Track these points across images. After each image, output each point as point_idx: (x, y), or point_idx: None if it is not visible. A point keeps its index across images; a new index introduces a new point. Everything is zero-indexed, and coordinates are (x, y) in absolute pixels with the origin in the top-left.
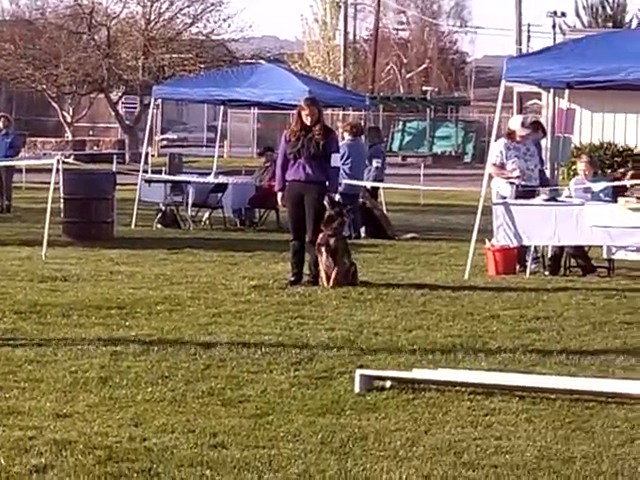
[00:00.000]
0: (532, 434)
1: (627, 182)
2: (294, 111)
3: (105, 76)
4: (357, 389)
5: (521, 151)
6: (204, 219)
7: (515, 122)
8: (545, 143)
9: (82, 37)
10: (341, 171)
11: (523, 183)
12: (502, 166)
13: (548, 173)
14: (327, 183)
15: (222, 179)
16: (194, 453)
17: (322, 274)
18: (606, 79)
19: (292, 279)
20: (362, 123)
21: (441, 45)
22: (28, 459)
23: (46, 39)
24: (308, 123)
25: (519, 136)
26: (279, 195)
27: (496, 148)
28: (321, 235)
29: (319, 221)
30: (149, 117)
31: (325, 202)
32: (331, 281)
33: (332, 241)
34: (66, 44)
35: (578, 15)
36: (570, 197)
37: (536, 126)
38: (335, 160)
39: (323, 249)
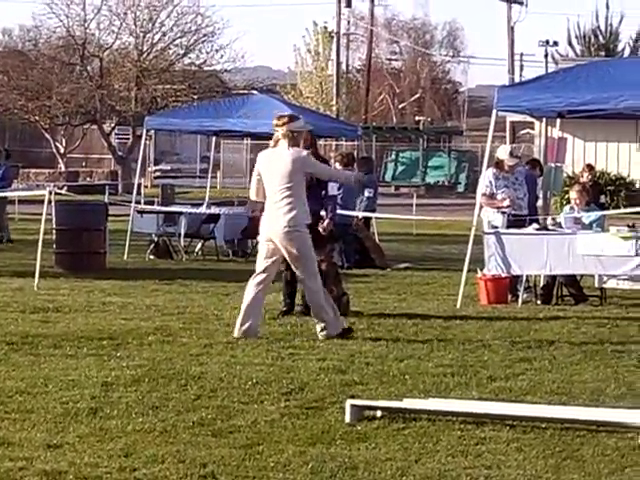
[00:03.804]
0: (522, 463)
1: (620, 210)
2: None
3: (98, 107)
4: (348, 419)
5: (510, 180)
6: (197, 250)
7: (503, 152)
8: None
9: (75, 68)
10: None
11: (513, 212)
12: (492, 196)
13: (541, 202)
14: (323, 212)
15: (215, 210)
16: None
17: None
18: (597, 108)
19: (284, 309)
20: (355, 153)
21: (434, 75)
22: None
23: (39, 70)
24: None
25: (507, 166)
26: None
27: (485, 178)
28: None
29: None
30: (142, 148)
31: (320, 228)
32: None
33: (323, 266)
34: (59, 75)
35: (570, 44)
36: (560, 226)
37: (534, 164)
38: (332, 189)
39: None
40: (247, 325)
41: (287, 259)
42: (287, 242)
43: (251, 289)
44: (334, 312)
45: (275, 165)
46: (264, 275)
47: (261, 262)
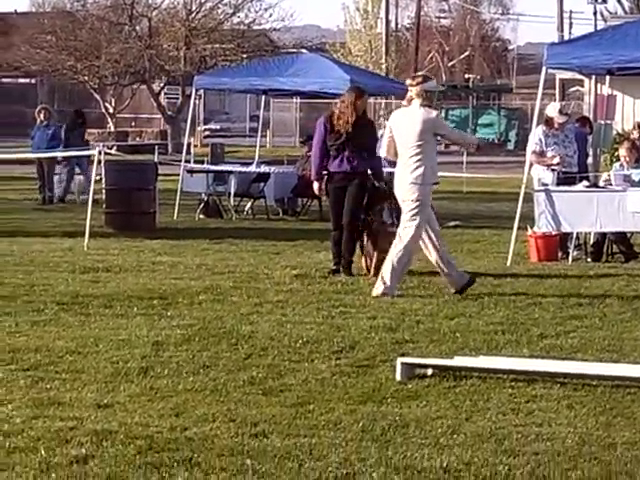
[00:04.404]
0: (573, 421)
1: None
2: (337, 100)
3: (147, 67)
4: (398, 377)
5: (560, 138)
6: (246, 209)
7: (552, 109)
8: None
9: (123, 28)
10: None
11: (564, 170)
12: (542, 153)
13: (591, 159)
14: (371, 172)
15: (264, 169)
16: (235, 442)
17: (362, 261)
18: None
19: (334, 268)
20: None
21: (483, 33)
22: (69, 450)
23: (87, 30)
24: (360, 114)
25: (557, 123)
26: (316, 185)
27: (535, 136)
28: (363, 219)
29: (358, 208)
30: (191, 107)
31: (371, 186)
32: (372, 270)
33: (374, 225)
34: (107, 35)
35: (620, 1)
36: (610, 183)
37: (584, 122)
38: (380, 150)
39: (365, 233)
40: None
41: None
42: (409, 194)
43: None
44: (451, 267)
45: (407, 123)
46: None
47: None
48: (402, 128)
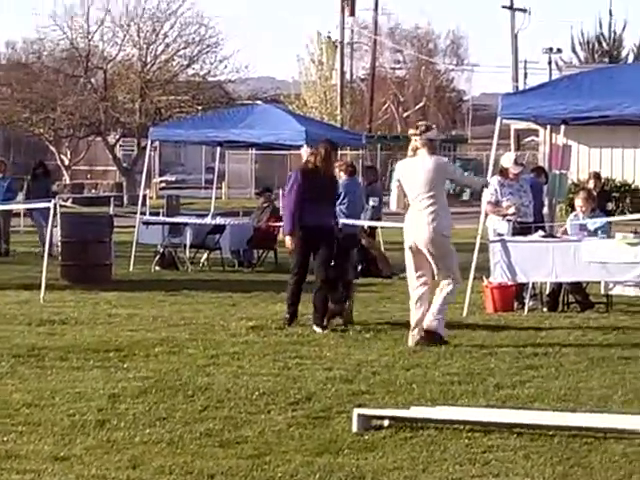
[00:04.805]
0: (530, 471)
1: (625, 217)
2: (293, 151)
3: (102, 119)
4: (355, 428)
5: (515, 188)
6: (202, 260)
7: (507, 160)
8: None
9: (79, 80)
10: (338, 210)
11: (519, 220)
12: (497, 203)
13: (546, 209)
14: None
15: (220, 220)
16: None
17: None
18: (601, 114)
19: (287, 317)
20: (360, 162)
21: (438, 83)
22: None
23: (42, 83)
24: (333, 165)
25: (512, 173)
26: (289, 240)
27: (490, 186)
28: (335, 270)
29: (329, 262)
30: (146, 159)
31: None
32: (344, 317)
33: (350, 275)
34: (63, 87)
35: (574, 51)
36: (566, 233)
37: (539, 171)
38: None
39: (340, 284)
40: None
41: (432, 256)
42: (432, 246)
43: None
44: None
45: (420, 172)
46: (422, 286)
47: (410, 271)
48: (414, 177)
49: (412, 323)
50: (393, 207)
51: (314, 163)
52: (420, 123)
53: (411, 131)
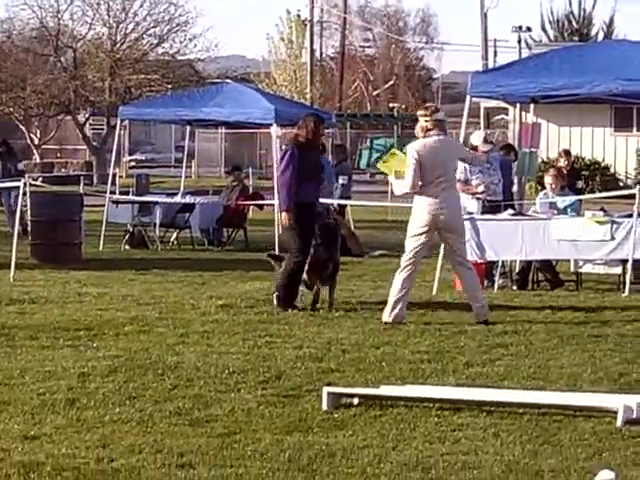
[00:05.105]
0: (500, 449)
1: (594, 195)
2: (263, 130)
3: (72, 98)
4: (325, 406)
5: (484, 166)
6: (172, 239)
7: (477, 138)
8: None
9: (48, 59)
10: None
11: (488, 198)
12: (467, 182)
13: (516, 187)
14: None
15: (189, 199)
16: (162, 473)
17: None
18: (571, 93)
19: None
20: (329, 140)
21: (407, 62)
22: None
23: (12, 62)
24: (321, 139)
25: (481, 151)
26: (285, 215)
27: (460, 164)
28: (325, 250)
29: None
30: (116, 138)
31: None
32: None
33: (338, 255)
34: (32, 67)
35: (544, 29)
36: (536, 212)
37: (508, 149)
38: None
39: (330, 264)
40: (396, 311)
41: (450, 239)
42: (460, 225)
43: (405, 280)
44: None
45: (439, 153)
46: (413, 265)
47: (417, 253)
48: (435, 158)
49: (395, 299)
50: (408, 189)
51: (305, 137)
52: (428, 104)
53: (421, 112)
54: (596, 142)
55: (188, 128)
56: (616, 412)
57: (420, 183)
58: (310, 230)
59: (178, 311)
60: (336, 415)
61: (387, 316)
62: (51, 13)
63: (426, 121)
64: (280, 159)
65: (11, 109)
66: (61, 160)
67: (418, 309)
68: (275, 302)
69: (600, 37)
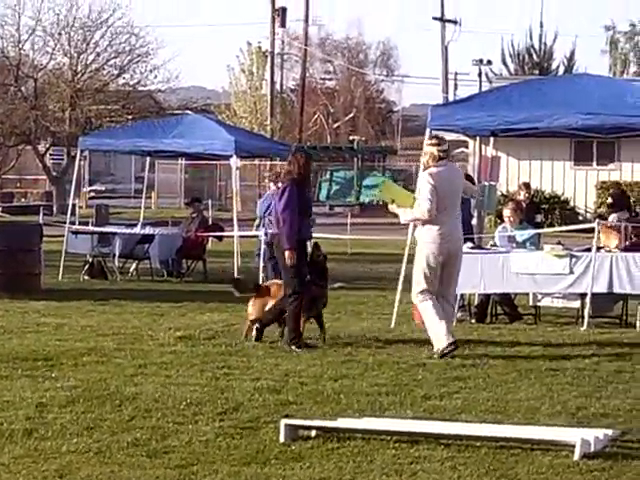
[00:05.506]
0: None
1: (553, 229)
2: (223, 161)
3: (32, 128)
4: (282, 438)
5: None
6: (131, 270)
7: None
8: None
9: (9, 89)
10: (267, 221)
11: None
12: None
13: (475, 221)
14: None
15: (149, 230)
16: None
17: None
18: (531, 126)
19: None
20: None
21: (368, 94)
22: None
23: None
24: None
25: None
26: (290, 254)
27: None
28: (318, 289)
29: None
30: (76, 168)
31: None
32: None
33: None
34: None
35: (504, 63)
36: (495, 245)
37: (467, 180)
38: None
39: (320, 303)
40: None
41: (448, 270)
42: (460, 255)
43: (434, 307)
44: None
45: (453, 182)
46: (430, 294)
47: (430, 282)
48: (450, 186)
49: (447, 332)
50: (425, 215)
51: (298, 172)
52: (436, 134)
53: (433, 141)
54: (556, 176)
55: (148, 159)
56: (574, 446)
57: (434, 209)
58: (305, 266)
59: (136, 342)
60: (293, 447)
61: (445, 341)
62: (12, 43)
63: (439, 150)
64: (279, 197)
65: None
66: (21, 190)
67: (376, 342)
68: (295, 348)
69: (561, 71)
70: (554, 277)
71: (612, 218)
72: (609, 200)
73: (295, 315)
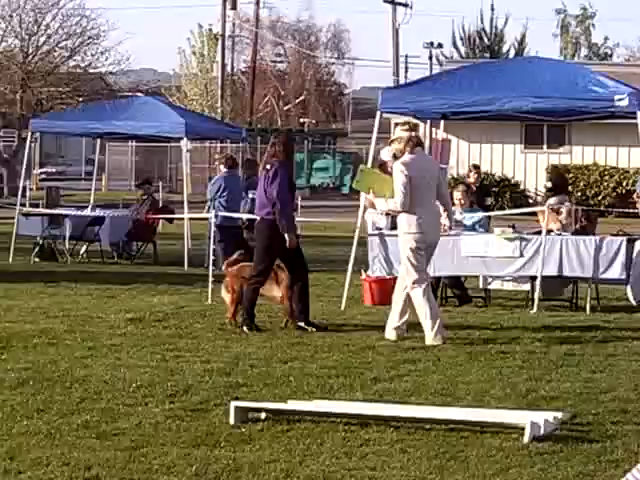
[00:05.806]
0: (407, 464)
1: (502, 212)
2: (173, 144)
3: None
4: (232, 421)
5: None
6: (81, 252)
7: (386, 153)
8: None
9: None
10: (217, 203)
11: None
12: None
13: None
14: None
15: (99, 212)
16: None
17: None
18: (482, 109)
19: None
20: (240, 155)
21: (319, 77)
22: None
23: None
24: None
25: (390, 167)
26: (291, 238)
27: None
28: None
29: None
30: (27, 151)
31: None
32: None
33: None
34: None
35: (455, 46)
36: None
37: None
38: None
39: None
40: (442, 330)
41: (430, 257)
42: (437, 240)
43: (424, 298)
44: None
45: (429, 171)
46: (425, 282)
47: (421, 269)
48: (428, 174)
49: (433, 322)
50: (398, 207)
51: (283, 153)
52: (406, 120)
53: (404, 127)
54: (506, 159)
55: (99, 141)
56: (523, 428)
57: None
58: (277, 250)
59: (87, 324)
60: (243, 429)
61: (432, 339)
62: None
63: (414, 136)
64: (270, 180)
65: None
66: None
67: (327, 324)
68: (246, 328)
69: (512, 54)
70: (504, 260)
71: (552, 201)
72: (548, 184)
73: (251, 298)
